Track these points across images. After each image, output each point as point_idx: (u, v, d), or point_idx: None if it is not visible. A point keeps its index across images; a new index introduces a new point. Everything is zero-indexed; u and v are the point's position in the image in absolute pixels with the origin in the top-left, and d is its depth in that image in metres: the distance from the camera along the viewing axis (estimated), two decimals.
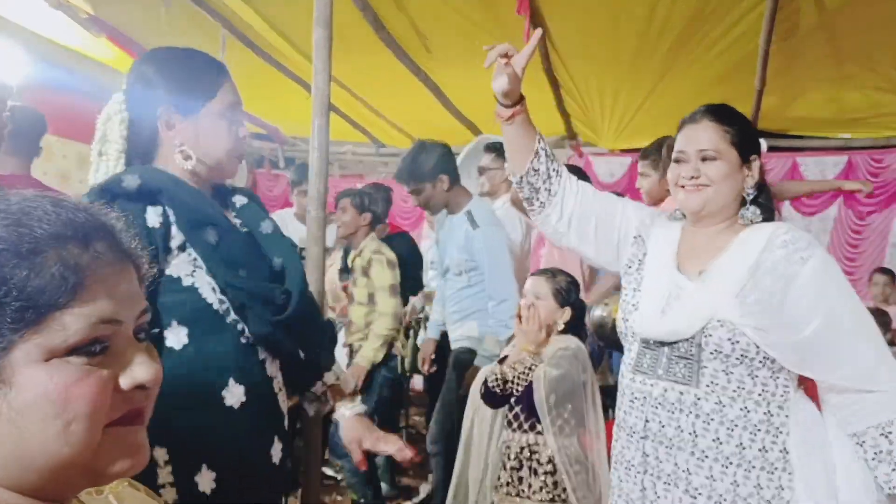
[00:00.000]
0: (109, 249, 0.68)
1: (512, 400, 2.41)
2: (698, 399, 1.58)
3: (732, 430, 1.56)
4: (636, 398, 1.68)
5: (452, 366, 3.49)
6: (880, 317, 4.23)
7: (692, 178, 1.65)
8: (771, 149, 5.67)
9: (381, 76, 4.90)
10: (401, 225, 6.21)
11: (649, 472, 1.64)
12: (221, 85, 1.48)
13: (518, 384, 2.36)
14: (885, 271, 5.18)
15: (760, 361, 1.55)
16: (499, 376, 2.37)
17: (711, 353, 1.57)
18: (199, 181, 1.48)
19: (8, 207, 0.66)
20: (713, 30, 3.88)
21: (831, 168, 5.54)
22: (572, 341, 2.45)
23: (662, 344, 1.64)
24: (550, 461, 2.36)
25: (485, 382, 2.44)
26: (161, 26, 4.35)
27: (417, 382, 5.55)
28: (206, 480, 1.34)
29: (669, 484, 1.61)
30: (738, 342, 1.54)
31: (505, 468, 2.43)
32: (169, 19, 4.17)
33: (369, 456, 1.71)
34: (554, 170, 1.79)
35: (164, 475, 1.32)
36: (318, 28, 2.36)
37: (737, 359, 1.55)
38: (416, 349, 4.73)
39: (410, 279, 4.43)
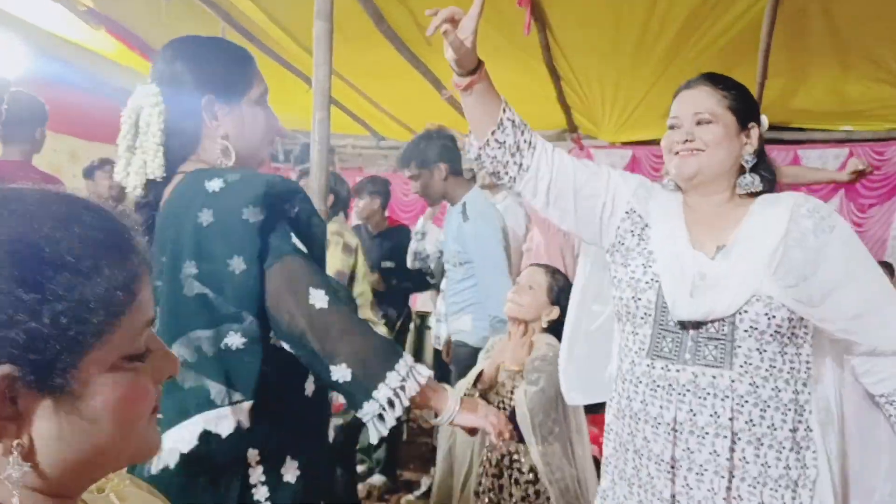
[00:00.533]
0: (144, 253, 0.70)
1: None
2: (732, 381, 1.50)
3: (765, 410, 1.50)
4: (659, 386, 1.56)
5: (452, 360, 3.50)
6: None
7: (686, 141, 1.57)
8: (773, 141, 5.69)
9: (381, 69, 4.89)
10: (401, 218, 6.21)
11: (681, 464, 1.54)
12: (256, 73, 1.50)
13: (503, 408, 2.33)
14: (883, 264, 5.18)
15: (789, 337, 1.50)
16: (487, 386, 2.37)
17: (746, 331, 1.49)
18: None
19: (58, 214, 0.65)
20: (715, 23, 3.87)
21: (832, 160, 5.53)
22: (550, 348, 2.38)
23: (684, 326, 1.54)
24: (532, 470, 2.32)
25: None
26: (161, 19, 4.34)
27: None
28: (291, 471, 1.37)
29: (703, 473, 1.53)
30: (774, 317, 1.47)
31: (486, 475, 2.38)
32: (169, 12, 4.17)
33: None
34: (525, 141, 1.65)
35: (257, 475, 1.34)
36: (319, 21, 2.36)
37: (771, 335, 1.49)
38: (417, 343, 4.75)
39: (406, 271, 4.43)
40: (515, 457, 2.35)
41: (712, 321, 1.52)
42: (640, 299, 1.59)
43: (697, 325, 1.53)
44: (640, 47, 4.20)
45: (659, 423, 1.56)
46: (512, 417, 2.33)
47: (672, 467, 1.55)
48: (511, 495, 2.33)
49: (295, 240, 1.33)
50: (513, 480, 2.34)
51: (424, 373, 1.34)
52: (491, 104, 1.64)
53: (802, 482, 1.52)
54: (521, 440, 2.33)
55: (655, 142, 6.09)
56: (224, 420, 1.29)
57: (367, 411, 1.29)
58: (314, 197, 2.33)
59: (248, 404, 1.31)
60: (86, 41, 4.74)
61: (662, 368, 1.56)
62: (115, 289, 0.65)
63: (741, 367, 1.50)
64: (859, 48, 4.13)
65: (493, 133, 1.63)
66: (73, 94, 5.05)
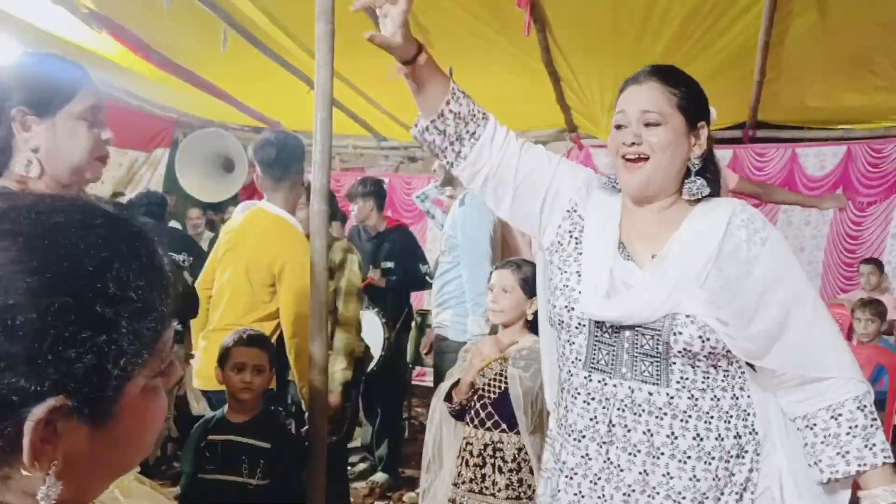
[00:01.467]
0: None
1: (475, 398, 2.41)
2: (671, 398, 1.44)
3: (710, 422, 1.44)
4: (593, 398, 1.50)
5: (433, 353, 3.59)
6: (876, 306, 4.25)
7: (633, 144, 1.47)
8: (771, 139, 5.71)
9: (381, 70, 4.89)
10: (403, 217, 6.24)
11: (612, 482, 1.48)
12: (81, 86, 1.46)
13: (491, 391, 2.37)
14: (869, 261, 5.20)
15: (721, 351, 1.44)
16: (464, 396, 2.39)
17: (680, 352, 1.43)
18: (55, 189, 1.44)
19: (117, 244, 0.64)
20: (713, 25, 3.90)
21: (830, 158, 5.55)
22: (535, 342, 2.39)
23: (619, 339, 1.47)
24: (515, 459, 2.35)
25: (449, 398, 2.45)
26: (163, 21, 4.36)
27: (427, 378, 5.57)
28: None
29: (630, 494, 1.46)
30: (708, 339, 1.41)
31: (468, 465, 2.40)
32: (170, 14, 4.18)
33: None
34: (469, 132, 1.57)
35: None
36: (320, 23, 2.37)
37: (704, 355, 1.43)
38: (418, 342, 4.77)
39: (407, 272, 4.46)
40: (499, 445, 2.37)
41: (642, 338, 1.45)
42: (573, 308, 1.52)
43: (633, 339, 1.46)
44: (639, 47, 4.23)
45: (593, 438, 1.50)
46: (497, 403, 2.36)
47: (605, 482, 1.49)
48: (495, 483, 2.36)
49: None
50: (496, 469, 2.36)
51: None
52: (436, 92, 1.56)
53: (750, 487, 1.48)
54: (505, 429, 2.37)
55: None
56: None
57: None
58: (315, 197, 2.36)
59: None
60: (88, 43, 4.77)
61: (599, 382, 1.50)
62: (162, 318, 0.66)
63: (678, 382, 1.44)
64: (856, 56, 4.16)
65: (432, 121, 1.57)
66: None
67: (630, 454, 1.46)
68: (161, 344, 0.66)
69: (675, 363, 1.44)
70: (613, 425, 1.47)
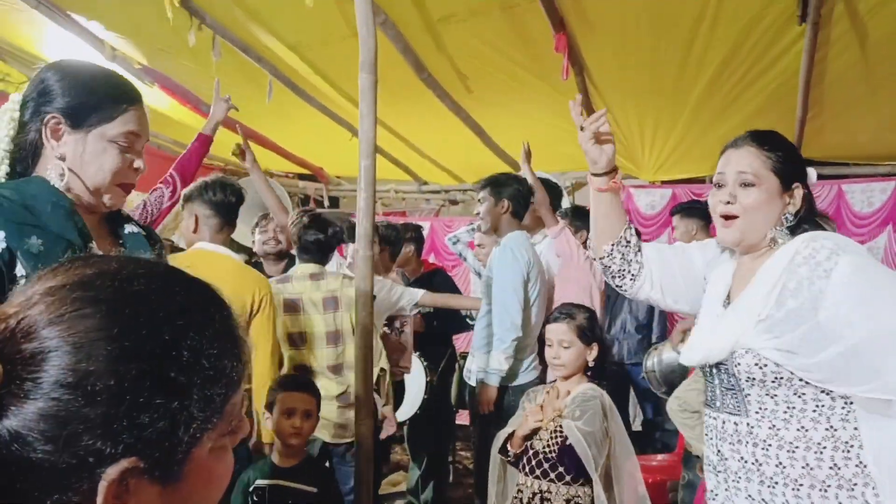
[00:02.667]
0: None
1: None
2: (751, 427, 1.58)
3: (794, 451, 1.52)
4: (709, 432, 1.70)
5: (468, 397, 3.61)
6: None
7: (727, 203, 1.63)
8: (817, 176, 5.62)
9: (422, 116, 5.00)
10: (444, 259, 6.28)
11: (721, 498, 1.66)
12: (122, 112, 1.42)
13: (551, 451, 2.37)
14: None
15: (801, 380, 1.52)
16: (519, 449, 2.41)
17: (747, 381, 1.57)
18: (79, 204, 1.40)
19: (192, 312, 0.66)
20: (753, 66, 3.90)
21: (878, 195, 5.45)
22: (591, 390, 2.45)
23: (712, 377, 1.67)
24: None
25: (505, 450, 2.46)
26: (211, 74, 4.52)
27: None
28: None
29: None
30: (765, 366, 1.53)
31: None
32: (219, 68, 4.34)
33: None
34: (637, 241, 1.86)
35: None
36: (364, 73, 2.44)
37: (773, 382, 1.54)
38: (461, 384, 4.76)
39: (446, 314, 4.47)
40: (547, 495, 2.36)
41: (724, 373, 1.62)
42: None
43: (719, 377, 1.64)
44: (678, 90, 4.24)
45: (710, 466, 1.70)
46: (559, 459, 2.34)
47: None
48: None
49: None
50: None
51: None
52: (619, 215, 1.86)
53: None
54: (553, 479, 2.35)
55: (696, 180, 6.07)
56: None
57: None
58: (360, 242, 2.40)
59: None
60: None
61: (710, 416, 1.70)
62: (234, 379, 0.68)
63: (756, 412, 1.57)
64: None
65: (624, 231, 1.84)
66: None
67: (734, 480, 1.61)
68: (230, 407, 0.68)
69: (749, 393, 1.58)
70: (720, 453, 1.65)
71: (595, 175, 1.83)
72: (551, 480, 2.36)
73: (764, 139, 1.65)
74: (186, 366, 0.63)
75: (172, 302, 0.66)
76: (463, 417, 5.49)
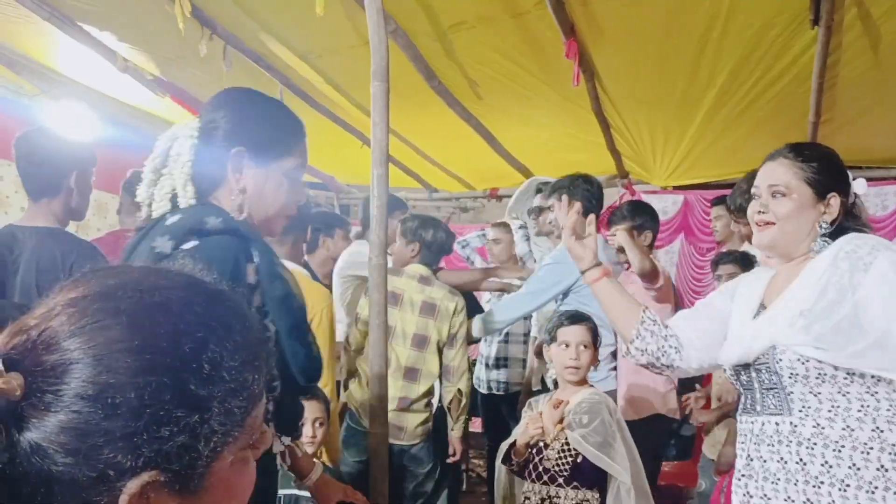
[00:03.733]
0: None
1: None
2: (794, 426, 1.58)
3: (840, 451, 1.52)
4: (744, 439, 1.71)
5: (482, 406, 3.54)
6: None
7: (760, 213, 1.69)
8: None
9: (432, 124, 5.01)
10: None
11: None
12: (298, 146, 1.49)
13: (562, 467, 2.35)
14: None
15: (846, 378, 1.53)
16: (523, 458, 2.40)
17: (790, 378, 1.57)
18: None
19: (212, 322, 0.66)
20: (765, 74, 3.88)
21: (892, 198, 5.42)
22: (593, 394, 2.45)
23: (750, 380, 1.68)
24: None
25: (509, 459, 2.45)
26: (222, 84, 4.53)
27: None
28: None
29: None
30: (808, 360, 1.54)
31: None
32: (230, 77, 4.36)
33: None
34: (658, 317, 1.87)
35: None
36: (376, 81, 2.44)
37: (817, 378, 1.54)
38: (472, 392, 4.74)
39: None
40: (556, 500, 2.35)
41: (765, 374, 1.63)
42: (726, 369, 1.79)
43: (759, 378, 1.65)
44: (688, 96, 4.23)
45: (741, 475, 1.69)
46: (573, 473, 2.33)
47: None
48: None
49: None
50: None
51: None
52: (626, 298, 1.91)
53: None
54: (561, 483, 2.35)
55: (707, 185, 6.03)
56: None
57: None
58: (374, 251, 2.40)
59: None
60: (152, 108, 4.99)
61: (744, 422, 1.71)
62: (255, 392, 0.67)
63: (800, 411, 1.57)
64: None
65: (639, 326, 1.86)
66: (141, 157, 5.31)
67: (773, 483, 1.60)
68: (251, 420, 0.67)
69: (792, 392, 1.59)
70: (752, 459, 1.66)
71: (584, 271, 1.93)
72: (559, 485, 2.35)
73: (800, 150, 1.71)
74: (207, 379, 0.63)
75: (192, 314, 0.65)
76: (476, 425, 5.48)
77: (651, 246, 3.44)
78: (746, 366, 1.69)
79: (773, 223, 1.67)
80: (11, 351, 0.61)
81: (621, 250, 3.22)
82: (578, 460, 2.32)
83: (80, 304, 0.63)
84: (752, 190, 1.74)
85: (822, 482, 1.52)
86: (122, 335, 0.61)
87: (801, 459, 1.55)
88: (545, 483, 2.37)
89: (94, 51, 4.18)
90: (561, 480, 2.34)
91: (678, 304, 3.39)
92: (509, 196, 5.20)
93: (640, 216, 3.46)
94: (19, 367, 0.59)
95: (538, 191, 4.02)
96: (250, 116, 1.45)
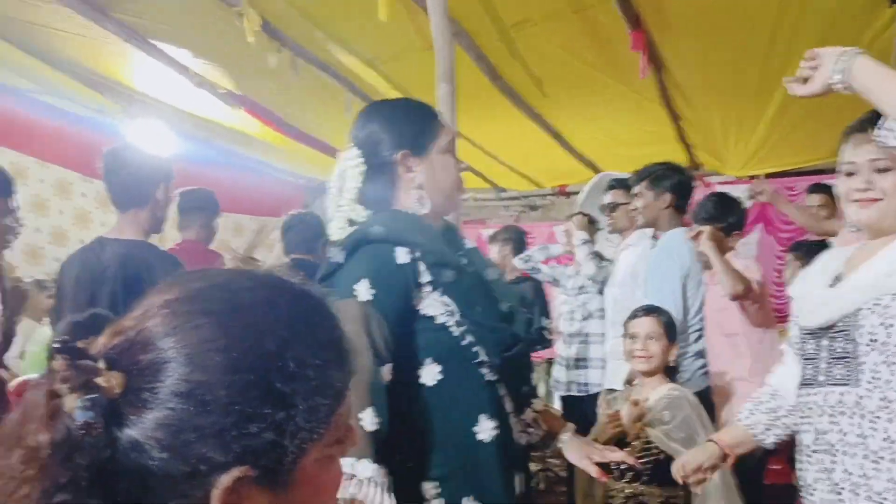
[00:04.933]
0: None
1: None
2: (860, 398, 1.50)
3: None
4: (805, 412, 1.65)
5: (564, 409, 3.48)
6: None
7: (865, 190, 1.58)
8: None
9: (498, 123, 5.01)
10: None
11: (821, 483, 1.58)
12: (440, 123, 1.61)
13: (646, 462, 2.30)
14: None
15: None
16: (623, 466, 2.35)
17: (868, 345, 1.50)
18: (433, 220, 1.58)
19: (297, 321, 0.68)
20: None
21: None
22: (673, 390, 2.41)
23: (818, 349, 1.61)
24: None
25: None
26: (292, 94, 4.65)
27: None
28: None
29: (842, 492, 1.53)
30: (892, 325, 1.47)
31: None
32: (299, 87, 4.46)
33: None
34: (763, 396, 1.87)
35: None
36: (442, 83, 2.47)
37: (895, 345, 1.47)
38: (548, 393, 4.72)
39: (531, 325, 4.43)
40: (642, 498, 2.32)
41: (839, 342, 1.56)
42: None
43: (829, 346, 1.58)
44: (763, 83, 4.10)
45: (802, 448, 1.64)
46: (656, 471, 2.29)
47: (819, 484, 1.58)
48: None
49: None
50: None
51: None
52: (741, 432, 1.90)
53: None
54: (645, 481, 2.31)
55: (784, 174, 5.82)
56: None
57: None
58: None
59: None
60: (226, 120, 5.14)
61: (805, 395, 1.65)
62: (340, 390, 0.69)
63: (868, 382, 1.50)
64: None
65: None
66: (219, 170, 5.51)
67: (831, 455, 1.55)
68: (337, 417, 0.69)
69: (864, 361, 1.51)
70: (818, 432, 1.59)
71: None
72: (644, 483, 2.31)
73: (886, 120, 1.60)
74: (291, 376, 0.64)
75: (277, 313, 0.67)
76: None
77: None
78: (818, 333, 1.61)
79: (880, 199, 1.56)
80: (111, 351, 0.64)
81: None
82: (661, 458, 2.28)
83: (173, 306, 0.66)
84: (846, 167, 1.62)
85: (881, 457, 1.46)
86: (212, 334, 0.63)
87: (862, 433, 1.49)
88: (629, 482, 2.33)
89: (170, 68, 4.34)
90: (645, 478, 2.31)
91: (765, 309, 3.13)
92: (577, 193, 5.16)
93: (729, 213, 3.15)
94: (118, 365, 0.62)
95: (610, 187, 3.97)
96: (398, 118, 1.58)
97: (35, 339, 3.95)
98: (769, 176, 5.77)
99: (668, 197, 3.21)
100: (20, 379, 2.85)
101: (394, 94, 4.65)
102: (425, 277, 1.45)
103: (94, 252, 2.32)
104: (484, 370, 1.47)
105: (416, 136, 1.56)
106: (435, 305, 1.46)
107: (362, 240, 1.47)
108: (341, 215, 1.55)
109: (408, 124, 1.57)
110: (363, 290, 1.40)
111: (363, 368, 1.33)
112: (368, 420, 1.32)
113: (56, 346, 0.62)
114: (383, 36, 3.79)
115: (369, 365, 1.35)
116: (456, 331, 1.45)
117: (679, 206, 3.25)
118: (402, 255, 1.45)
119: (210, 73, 4.50)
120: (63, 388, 0.61)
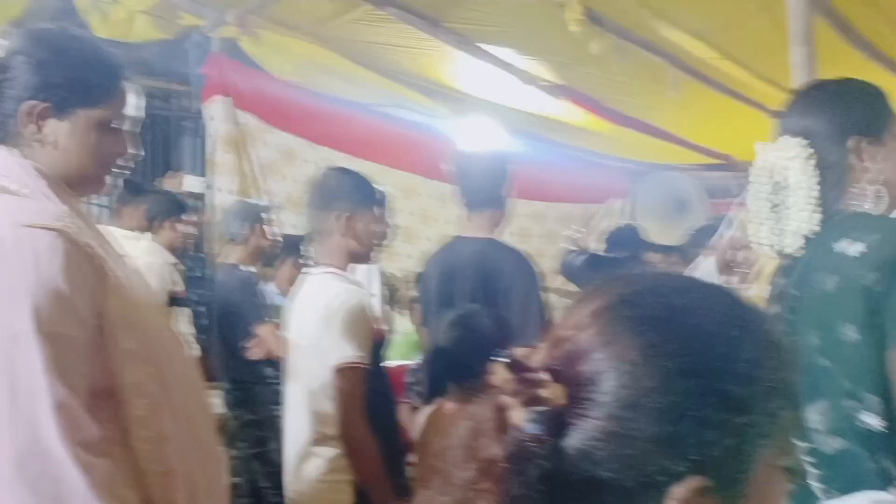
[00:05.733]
0: None
1: None
2: None
3: None
4: None
5: None
6: None
7: None
8: None
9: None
10: None
11: None
12: (892, 106, 1.41)
13: None
14: None
15: None
16: None
17: None
18: None
19: (712, 305, 0.66)
20: None
21: None
22: None
23: None
24: None
25: None
26: (615, 79, 4.59)
27: None
28: None
29: None
30: None
31: None
32: (621, 69, 4.38)
33: None
34: None
35: None
36: (796, 46, 2.27)
37: None
38: None
39: None
40: None
41: None
42: None
43: None
44: None
45: None
46: None
47: None
48: None
49: None
50: None
51: None
52: None
53: None
54: None
55: None
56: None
57: None
58: None
59: None
60: (552, 113, 5.24)
61: None
62: (789, 396, 0.65)
63: None
64: None
65: None
66: (544, 161, 5.66)
67: None
68: (785, 422, 0.65)
69: None
70: None
71: None
72: None
73: None
74: (746, 379, 0.62)
75: (721, 314, 0.65)
76: None
77: None
78: None
79: None
80: (553, 362, 0.65)
81: None
82: None
83: (606, 315, 0.65)
84: None
85: None
86: (654, 340, 0.62)
87: None
88: None
89: (496, 67, 4.53)
90: None
91: None
92: None
93: None
94: (559, 377, 0.63)
95: None
96: (846, 102, 1.39)
97: (396, 328, 4.40)
98: None
99: None
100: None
101: (725, 67, 4.37)
102: None
103: (453, 251, 2.49)
104: None
105: (871, 121, 1.36)
106: None
107: None
108: (798, 215, 1.33)
109: (861, 106, 1.38)
110: None
111: None
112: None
113: (503, 360, 0.65)
114: (713, 5, 3.61)
115: None
116: None
117: None
118: None
119: (534, 67, 4.61)
120: (511, 402, 0.63)
